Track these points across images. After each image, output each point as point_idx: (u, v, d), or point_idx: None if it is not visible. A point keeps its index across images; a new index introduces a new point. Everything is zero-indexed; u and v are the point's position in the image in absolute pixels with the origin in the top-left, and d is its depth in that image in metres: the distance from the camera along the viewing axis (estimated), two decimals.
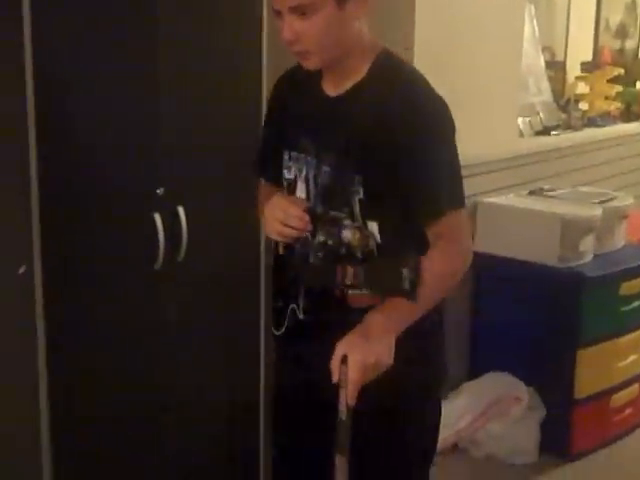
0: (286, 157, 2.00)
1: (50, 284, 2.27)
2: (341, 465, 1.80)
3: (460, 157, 1.91)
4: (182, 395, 2.61)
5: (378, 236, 1.88)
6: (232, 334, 2.80)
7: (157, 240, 2.45)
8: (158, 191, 2.45)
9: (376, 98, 1.85)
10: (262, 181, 2.16)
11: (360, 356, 1.74)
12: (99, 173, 2.37)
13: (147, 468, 2.55)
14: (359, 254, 1.89)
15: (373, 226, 1.89)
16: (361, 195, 1.86)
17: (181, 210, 2.50)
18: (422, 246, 1.88)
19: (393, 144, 1.82)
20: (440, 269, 1.85)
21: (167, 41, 2.41)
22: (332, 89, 1.93)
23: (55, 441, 2.35)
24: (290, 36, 1.81)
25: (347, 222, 1.89)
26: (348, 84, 1.90)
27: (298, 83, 2.02)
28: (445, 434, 3.48)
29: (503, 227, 3.71)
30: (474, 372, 3.75)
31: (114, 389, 2.46)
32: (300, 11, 1.78)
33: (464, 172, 1.90)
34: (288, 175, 2.01)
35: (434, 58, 3.28)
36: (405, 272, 1.81)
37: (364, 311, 1.87)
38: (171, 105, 2.46)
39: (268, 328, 2.76)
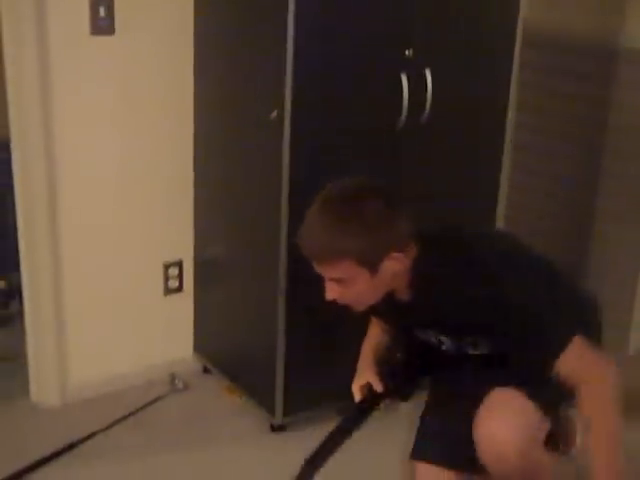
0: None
1: (297, 129, 2.42)
2: None
3: None
4: None
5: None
6: (470, 199, 2.88)
7: (402, 101, 2.55)
8: (407, 52, 2.53)
9: (437, 292, 1.92)
10: None
11: None
12: (352, 31, 2.47)
13: None
14: None
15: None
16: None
17: (428, 72, 2.56)
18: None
19: (479, 325, 1.90)
20: (595, 411, 1.86)
21: None
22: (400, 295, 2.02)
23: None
24: (331, 297, 1.93)
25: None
26: (407, 290, 1.98)
27: None
28: None
29: None
30: None
31: None
32: (337, 280, 1.89)
33: None
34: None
35: None
36: None
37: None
38: None
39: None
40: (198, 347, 3.10)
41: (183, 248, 2.98)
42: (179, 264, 2.98)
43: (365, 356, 2.23)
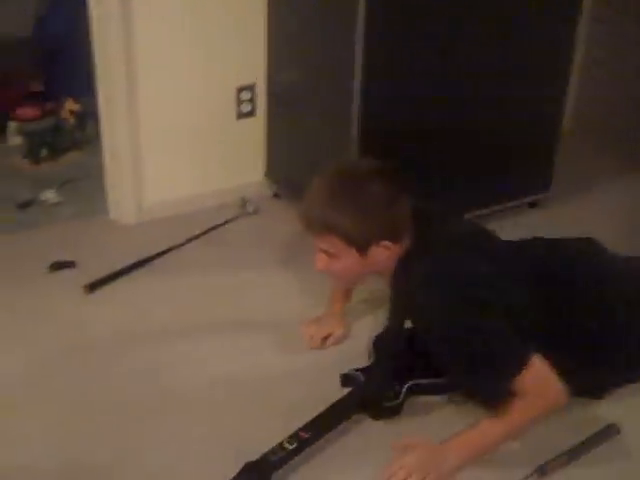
0: None
1: None
2: None
3: None
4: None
5: None
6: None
7: None
8: None
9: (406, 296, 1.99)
10: None
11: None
12: None
13: None
14: None
15: None
16: None
17: None
18: None
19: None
20: (520, 418, 1.91)
21: None
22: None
23: None
24: (319, 267, 2.03)
25: None
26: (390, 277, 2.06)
27: None
28: None
29: None
30: None
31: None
32: (325, 252, 1.97)
33: None
34: None
35: None
36: None
37: None
38: None
39: None
40: (269, 172, 3.15)
41: (256, 72, 2.98)
42: (251, 88, 2.99)
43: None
